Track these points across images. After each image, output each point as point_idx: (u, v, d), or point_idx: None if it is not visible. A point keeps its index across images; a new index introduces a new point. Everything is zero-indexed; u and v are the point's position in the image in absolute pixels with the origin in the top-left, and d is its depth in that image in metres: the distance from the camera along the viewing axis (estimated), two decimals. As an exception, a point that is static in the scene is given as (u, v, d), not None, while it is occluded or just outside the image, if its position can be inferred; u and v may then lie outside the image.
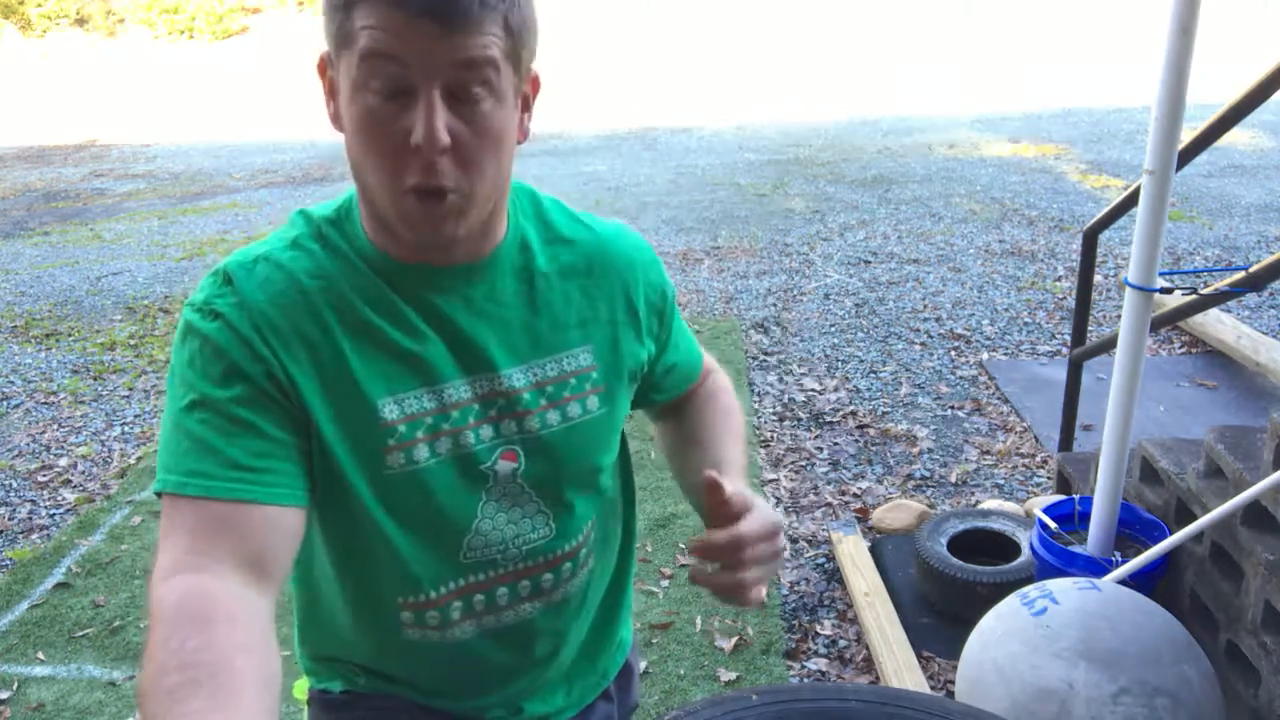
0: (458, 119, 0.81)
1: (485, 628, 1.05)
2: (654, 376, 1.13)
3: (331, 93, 0.88)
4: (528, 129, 0.91)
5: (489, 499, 0.98)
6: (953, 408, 3.81)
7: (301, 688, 1.16)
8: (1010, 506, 2.88)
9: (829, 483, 3.30)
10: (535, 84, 0.91)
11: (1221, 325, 4.11)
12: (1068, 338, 3.95)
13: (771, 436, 3.63)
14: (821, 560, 2.85)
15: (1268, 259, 1.92)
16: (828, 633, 2.53)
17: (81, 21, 18.46)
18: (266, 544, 0.84)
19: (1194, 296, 2.17)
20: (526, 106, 0.91)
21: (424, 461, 0.94)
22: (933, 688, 2.25)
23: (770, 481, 3.31)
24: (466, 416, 0.95)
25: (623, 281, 1.04)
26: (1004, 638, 1.85)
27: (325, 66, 0.88)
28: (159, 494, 0.86)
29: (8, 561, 3.08)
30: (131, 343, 5.02)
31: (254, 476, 0.85)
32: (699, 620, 2.58)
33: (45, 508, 3.42)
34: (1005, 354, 4.31)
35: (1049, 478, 3.22)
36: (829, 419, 3.76)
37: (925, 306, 4.92)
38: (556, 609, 1.08)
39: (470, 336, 0.94)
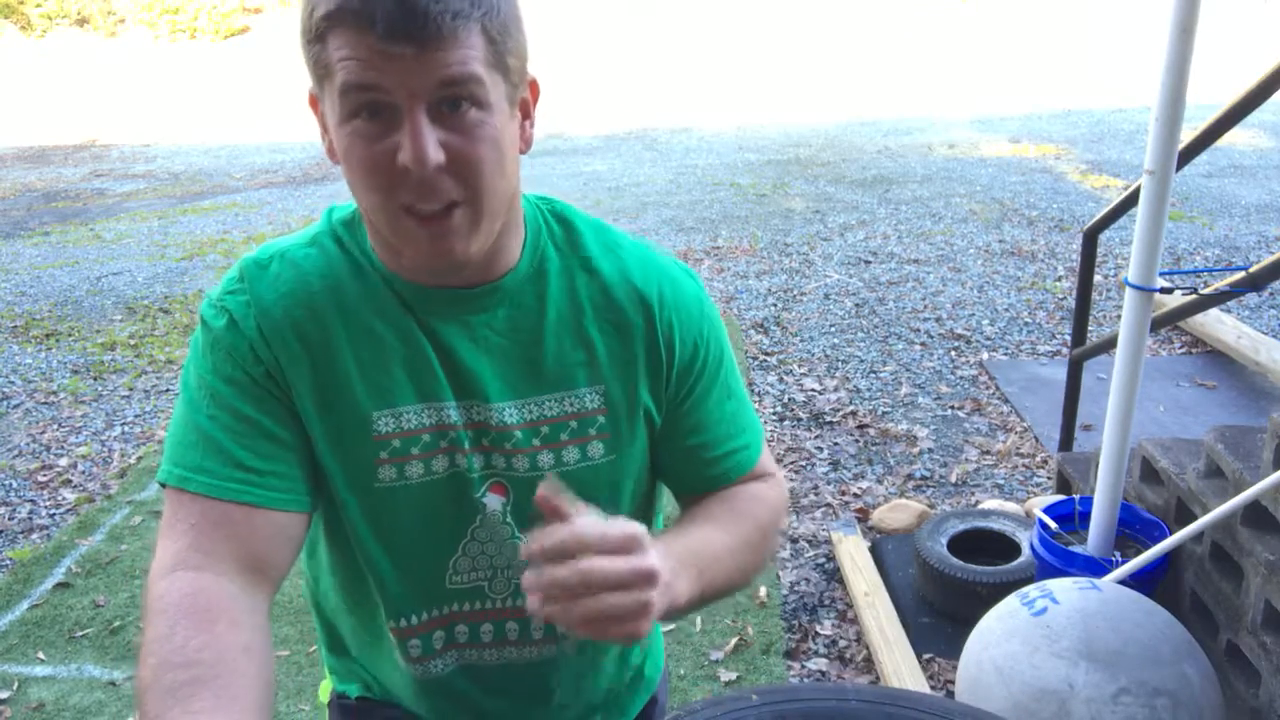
0: (450, 131, 0.77)
1: (467, 663, 1.01)
2: (667, 450, 0.98)
3: (325, 126, 0.84)
4: (531, 137, 0.87)
5: (479, 529, 0.95)
6: (953, 408, 3.81)
7: (325, 689, 1.16)
8: (1010, 506, 2.88)
9: (829, 483, 3.30)
10: (534, 89, 0.87)
11: (1221, 325, 4.11)
12: (1068, 338, 3.95)
13: (771, 436, 3.63)
14: (821, 560, 2.85)
15: (1268, 259, 1.92)
16: (828, 633, 2.53)
17: (82, 21, 18.45)
18: (267, 547, 0.84)
19: (1194, 296, 2.17)
20: (527, 114, 0.86)
21: (416, 479, 0.91)
22: (933, 688, 2.25)
23: (770, 481, 3.31)
24: (463, 440, 0.91)
25: (649, 322, 0.93)
26: (1004, 638, 1.85)
27: (316, 101, 0.84)
28: (163, 484, 0.86)
29: (8, 561, 3.08)
30: (131, 343, 5.02)
31: (258, 479, 0.84)
32: (699, 620, 2.58)
33: (45, 508, 3.42)
34: (1005, 354, 4.31)
35: (1049, 478, 3.22)
36: (829, 419, 3.76)
37: (925, 306, 4.92)
38: (549, 663, 1.02)
39: (465, 364, 0.90)
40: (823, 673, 2.39)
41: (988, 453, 3.44)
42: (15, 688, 2.48)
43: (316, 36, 0.77)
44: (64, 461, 3.76)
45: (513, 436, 0.91)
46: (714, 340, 0.98)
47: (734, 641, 2.49)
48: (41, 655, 2.60)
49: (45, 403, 4.32)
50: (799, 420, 3.76)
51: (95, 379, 4.56)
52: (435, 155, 0.76)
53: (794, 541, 2.95)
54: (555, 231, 0.94)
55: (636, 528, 0.74)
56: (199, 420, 0.85)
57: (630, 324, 0.93)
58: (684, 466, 1.00)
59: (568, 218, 0.95)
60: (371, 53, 0.74)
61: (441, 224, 0.80)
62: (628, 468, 0.97)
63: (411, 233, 0.81)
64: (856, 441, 3.58)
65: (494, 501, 0.93)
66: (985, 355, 4.30)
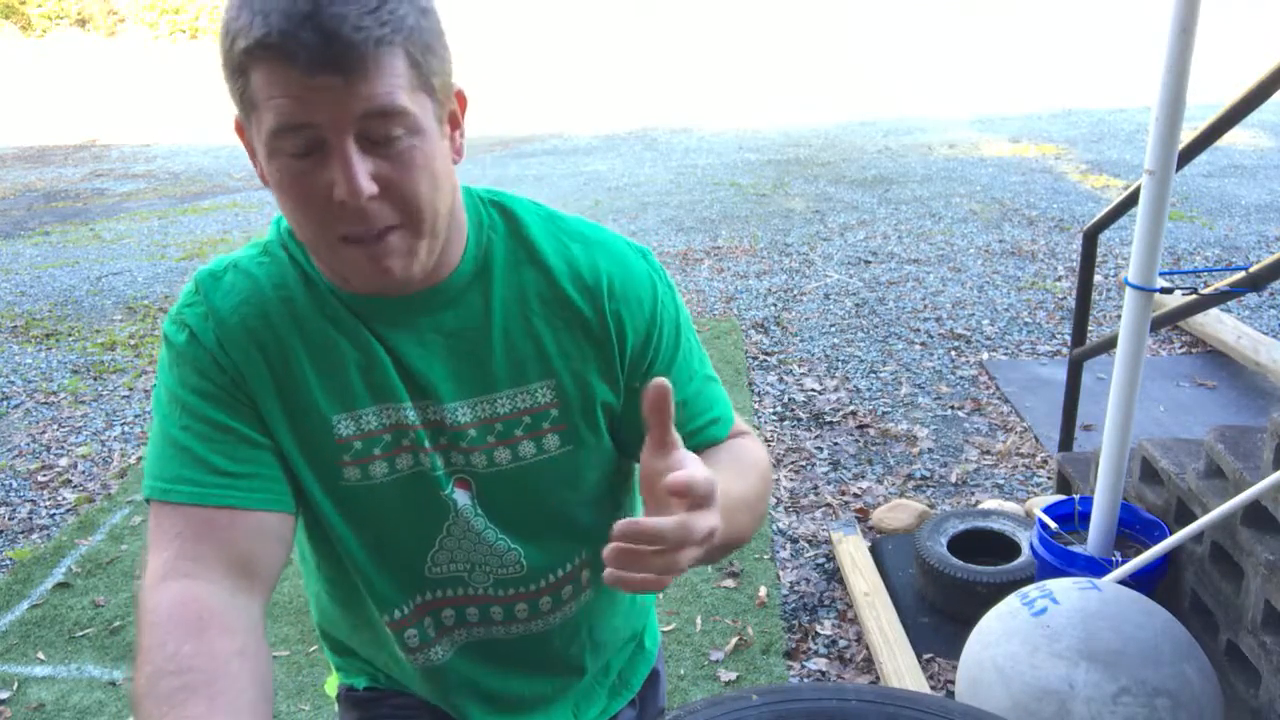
0: (381, 159, 0.77)
1: (461, 644, 1.03)
2: (632, 433, 0.96)
3: (254, 152, 0.84)
4: (461, 147, 0.86)
5: (453, 525, 0.96)
6: (953, 408, 3.81)
7: (333, 684, 1.18)
8: (1010, 506, 2.88)
9: (829, 483, 3.30)
10: (461, 100, 0.86)
11: (1221, 325, 4.11)
12: (1068, 338, 3.95)
13: (771, 436, 3.63)
14: (821, 560, 2.85)
15: (1268, 259, 1.92)
16: (828, 633, 2.53)
17: (82, 21, 18.45)
18: (254, 549, 0.85)
19: (1194, 296, 2.17)
20: (456, 124, 0.86)
21: (381, 478, 0.92)
22: (933, 688, 2.25)
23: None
24: (422, 439, 0.92)
25: (598, 312, 0.92)
26: (1004, 638, 1.85)
27: (242, 128, 0.84)
28: (147, 499, 0.86)
29: (8, 561, 3.08)
30: (131, 343, 5.02)
31: (239, 482, 0.85)
32: (699, 620, 2.58)
33: (45, 508, 3.42)
34: (1005, 354, 4.31)
35: (1049, 478, 3.22)
36: (829, 419, 3.76)
37: (925, 306, 4.92)
38: (541, 637, 1.05)
39: (416, 367, 0.90)
40: (823, 673, 2.39)
41: (988, 453, 3.44)
42: (15, 688, 2.48)
43: (239, 70, 0.77)
44: (64, 461, 3.76)
45: (467, 435, 0.92)
46: (668, 322, 0.96)
47: (734, 641, 2.49)
48: (41, 655, 2.60)
49: (45, 403, 4.32)
50: (799, 420, 3.76)
51: (95, 379, 4.56)
52: (368, 187, 0.76)
53: (794, 541, 2.95)
54: (499, 226, 0.93)
55: (712, 486, 0.72)
56: (172, 433, 0.86)
57: (578, 316, 0.92)
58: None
59: (511, 209, 0.94)
60: (299, 88, 0.73)
61: (379, 245, 0.80)
62: (587, 459, 0.97)
63: (351, 258, 0.81)
64: (856, 441, 3.58)
65: (462, 497, 0.94)
66: (985, 355, 4.30)
